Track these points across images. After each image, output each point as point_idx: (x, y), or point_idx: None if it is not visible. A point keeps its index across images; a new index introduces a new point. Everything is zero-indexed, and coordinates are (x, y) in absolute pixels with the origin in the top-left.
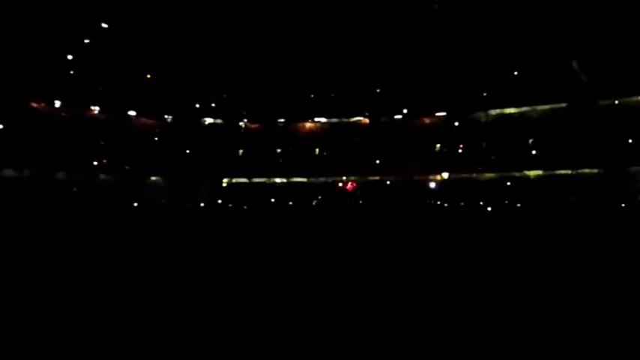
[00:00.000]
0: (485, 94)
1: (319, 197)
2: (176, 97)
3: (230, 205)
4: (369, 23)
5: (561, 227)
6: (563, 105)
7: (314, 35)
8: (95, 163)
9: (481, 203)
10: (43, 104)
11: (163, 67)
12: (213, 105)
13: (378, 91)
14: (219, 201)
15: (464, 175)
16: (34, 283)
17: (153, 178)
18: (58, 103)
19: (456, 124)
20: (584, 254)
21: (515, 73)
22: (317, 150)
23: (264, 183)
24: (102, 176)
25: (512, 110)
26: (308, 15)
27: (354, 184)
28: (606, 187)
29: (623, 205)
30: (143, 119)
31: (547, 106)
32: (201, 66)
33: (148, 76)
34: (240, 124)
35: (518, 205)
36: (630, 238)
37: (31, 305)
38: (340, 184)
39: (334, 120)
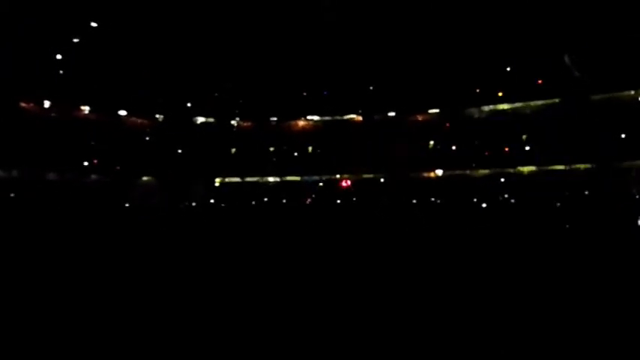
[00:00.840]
0: (478, 91)
1: (313, 196)
2: (167, 96)
3: (223, 205)
4: (361, 21)
5: (555, 222)
6: (556, 100)
7: (306, 33)
8: (86, 163)
9: (475, 200)
10: (32, 104)
11: (154, 66)
12: (205, 103)
13: (371, 88)
14: (212, 200)
15: (458, 172)
16: (26, 281)
17: (144, 177)
18: (47, 103)
19: (450, 120)
20: (579, 249)
21: (508, 69)
22: (310, 148)
23: (257, 182)
24: (93, 176)
25: (505, 106)
26: (300, 13)
27: (348, 182)
28: (600, 182)
29: (616, 200)
30: (134, 118)
31: (540, 102)
32: (192, 64)
33: (139, 75)
34: (233, 122)
35: (513, 200)
36: (624, 232)
37: (23, 304)
38: (335, 183)
39: (327, 118)
